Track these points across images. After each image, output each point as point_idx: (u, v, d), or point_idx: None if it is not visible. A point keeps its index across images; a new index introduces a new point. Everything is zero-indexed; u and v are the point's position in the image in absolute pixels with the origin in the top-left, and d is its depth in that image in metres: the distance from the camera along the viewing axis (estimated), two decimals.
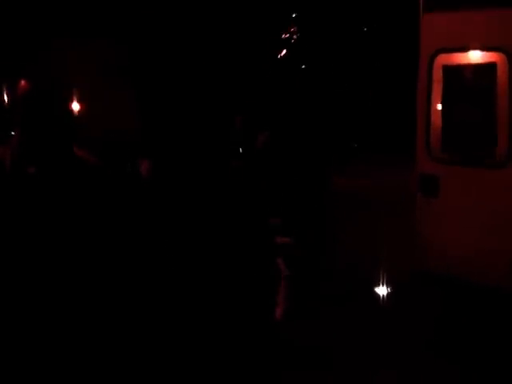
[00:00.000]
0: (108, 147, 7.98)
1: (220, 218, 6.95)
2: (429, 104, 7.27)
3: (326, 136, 12.91)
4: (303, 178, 9.17)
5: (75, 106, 8.75)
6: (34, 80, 7.40)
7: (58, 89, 7.89)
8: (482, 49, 6.95)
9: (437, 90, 7.24)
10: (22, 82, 7.24)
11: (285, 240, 7.16)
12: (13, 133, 7.32)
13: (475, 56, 7.04)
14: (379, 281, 7.56)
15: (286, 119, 11.01)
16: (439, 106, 7.25)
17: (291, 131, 10.03)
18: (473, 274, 6.94)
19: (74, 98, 8.65)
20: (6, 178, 6.73)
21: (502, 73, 6.81)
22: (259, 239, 6.95)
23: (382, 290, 7.50)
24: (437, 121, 7.25)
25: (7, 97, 9.41)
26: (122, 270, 6.26)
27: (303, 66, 17.52)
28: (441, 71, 7.20)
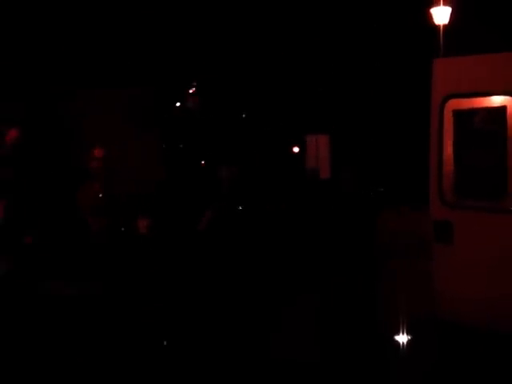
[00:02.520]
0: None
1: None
2: (440, 149, 7.20)
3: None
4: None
5: (98, 153, 8.44)
6: (29, 128, 7.01)
7: (61, 139, 7.66)
8: (492, 93, 6.89)
9: (448, 135, 7.18)
10: (13, 131, 6.64)
11: None
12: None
13: (485, 100, 6.99)
14: (393, 328, 7.40)
15: None
16: (451, 152, 7.18)
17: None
18: (490, 322, 6.78)
19: (98, 147, 8.46)
20: None
21: None
22: None
23: (395, 338, 7.33)
24: (449, 166, 7.17)
25: None
26: None
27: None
28: (451, 116, 7.16)
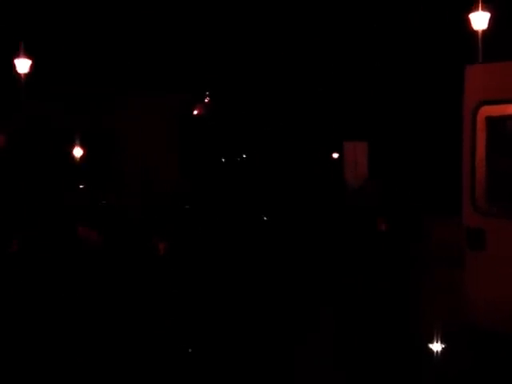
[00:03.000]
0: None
1: None
2: (473, 156, 7.17)
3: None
4: None
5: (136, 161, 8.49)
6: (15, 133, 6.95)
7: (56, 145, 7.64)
8: None
9: (481, 142, 7.14)
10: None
11: None
12: None
13: None
14: (427, 336, 7.38)
15: None
16: (483, 158, 7.14)
17: None
18: None
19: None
20: None
21: None
22: None
23: (428, 346, 7.31)
24: (481, 173, 7.14)
25: None
26: None
27: None
28: (484, 123, 7.12)
